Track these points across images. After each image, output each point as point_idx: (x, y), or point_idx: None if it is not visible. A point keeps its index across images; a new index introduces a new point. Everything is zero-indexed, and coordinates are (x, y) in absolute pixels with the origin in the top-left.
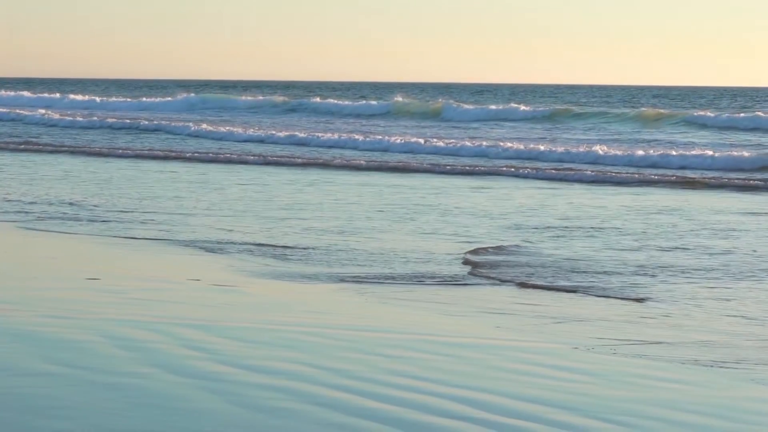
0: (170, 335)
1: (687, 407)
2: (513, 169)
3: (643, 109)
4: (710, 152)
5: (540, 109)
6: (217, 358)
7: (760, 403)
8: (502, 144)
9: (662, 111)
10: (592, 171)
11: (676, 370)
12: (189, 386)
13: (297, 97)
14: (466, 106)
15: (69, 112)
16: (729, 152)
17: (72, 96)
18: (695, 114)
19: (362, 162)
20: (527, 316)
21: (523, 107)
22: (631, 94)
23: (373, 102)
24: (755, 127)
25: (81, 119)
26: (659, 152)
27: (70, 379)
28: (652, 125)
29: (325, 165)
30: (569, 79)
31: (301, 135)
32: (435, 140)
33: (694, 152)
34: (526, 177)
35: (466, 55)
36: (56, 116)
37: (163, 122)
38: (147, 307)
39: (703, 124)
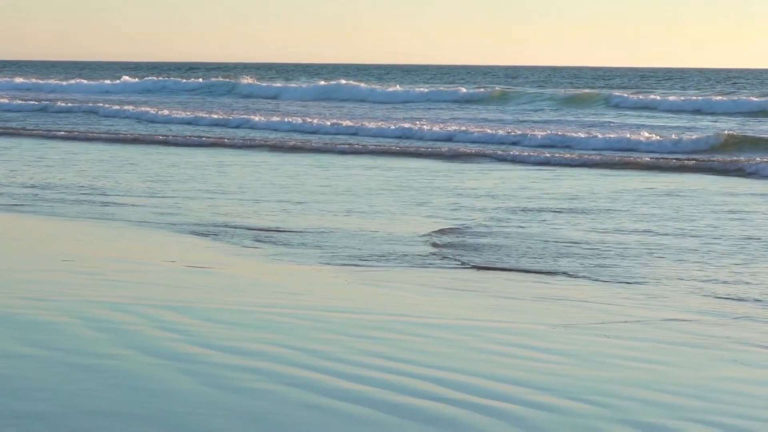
0: (146, 317)
1: (665, 387)
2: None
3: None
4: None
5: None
6: (193, 339)
7: (738, 383)
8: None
9: (587, 91)
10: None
11: (654, 350)
12: (164, 368)
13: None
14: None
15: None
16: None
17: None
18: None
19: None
20: (506, 297)
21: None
22: (600, 76)
23: (304, 84)
24: (676, 109)
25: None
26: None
27: (46, 360)
28: (574, 105)
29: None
30: (556, 61)
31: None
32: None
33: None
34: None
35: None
36: None
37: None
38: (122, 289)
39: (615, 105)
